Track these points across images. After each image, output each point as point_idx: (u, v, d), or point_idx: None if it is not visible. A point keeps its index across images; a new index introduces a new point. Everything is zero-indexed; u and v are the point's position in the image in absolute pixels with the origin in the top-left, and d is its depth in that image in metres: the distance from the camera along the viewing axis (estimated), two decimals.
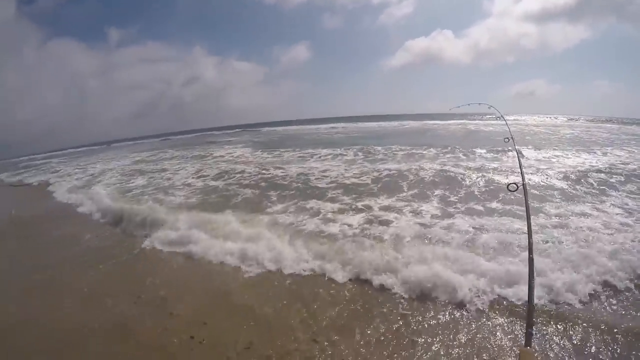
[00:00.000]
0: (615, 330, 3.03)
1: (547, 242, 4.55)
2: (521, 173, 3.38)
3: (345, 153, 13.31)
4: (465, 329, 3.21)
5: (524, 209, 2.70)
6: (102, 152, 31.75)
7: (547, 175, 8.27)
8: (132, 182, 11.73)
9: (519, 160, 4.26)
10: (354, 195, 7.55)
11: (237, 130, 50.87)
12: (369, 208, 6.66)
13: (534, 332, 1.48)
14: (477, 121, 32.81)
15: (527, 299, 1.66)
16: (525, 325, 1.46)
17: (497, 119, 7.11)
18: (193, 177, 11.25)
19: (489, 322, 3.29)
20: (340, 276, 4.27)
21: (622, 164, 9.54)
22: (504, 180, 7.76)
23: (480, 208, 6.26)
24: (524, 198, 2.74)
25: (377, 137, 21.95)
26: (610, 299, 3.50)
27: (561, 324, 3.15)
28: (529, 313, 1.52)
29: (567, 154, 11.50)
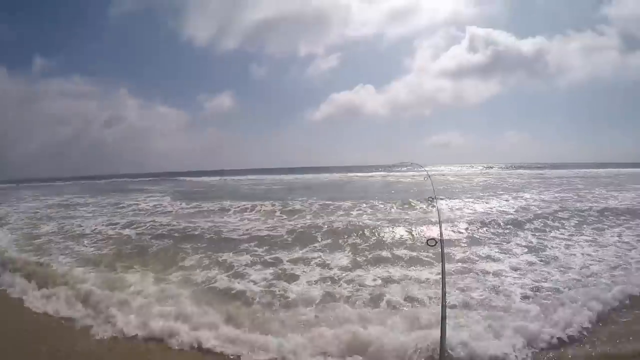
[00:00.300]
0: None
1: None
2: (440, 229, 3.49)
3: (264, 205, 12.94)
4: None
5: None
6: (13, 192, 27.37)
7: (460, 224, 8.87)
8: (42, 228, 10.39)
9: (439, 217, 4.53)
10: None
11: (158, 178, 47.64)
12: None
13: None
14: (395, 173, 35.62)
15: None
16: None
17: (416, 170, 7.38)
18: (104, 225, 10.10)
19: None
20: None
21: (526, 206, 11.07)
22: (423, 234, 7.91)
23: (394, 260, 6.34)
24: (441, 253, 2.77)
25: (300, 188, 22.23)
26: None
27: None
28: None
29: (479, 200, 12.90)
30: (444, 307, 1.97)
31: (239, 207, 12.64)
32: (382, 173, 35.70)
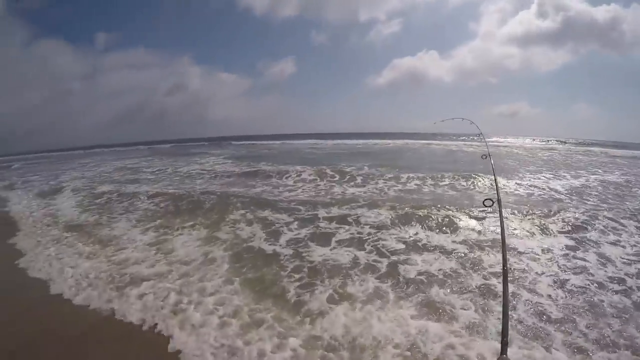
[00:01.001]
0: None
1: None
2: (497, 190, 3.43)
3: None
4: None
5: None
6: (81, 158, 30.85)
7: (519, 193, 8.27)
8: (104, 188, 11.33)
9: (494, 177, 4.42)
10: None
11: (219, 143, 49.51)
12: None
13: (508, 341, 1.51)
14: (457, 142, 33.54)
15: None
16: (501, 335, 1.53)
17: (479, 139, 7.00)
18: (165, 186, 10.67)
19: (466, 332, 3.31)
20: None
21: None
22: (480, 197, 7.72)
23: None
24: (498, 213, 2.74)
25: (359, 155, 21.73)
26: None
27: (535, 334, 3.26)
28: (504, 324, 1.59)
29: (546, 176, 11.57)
30: (505, 272, 1.97)
31: (295, 170, 12.69)
32: (446, 142, 33.66)
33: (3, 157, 43.84)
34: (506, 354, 1.43)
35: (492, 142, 33.93)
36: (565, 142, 39.97)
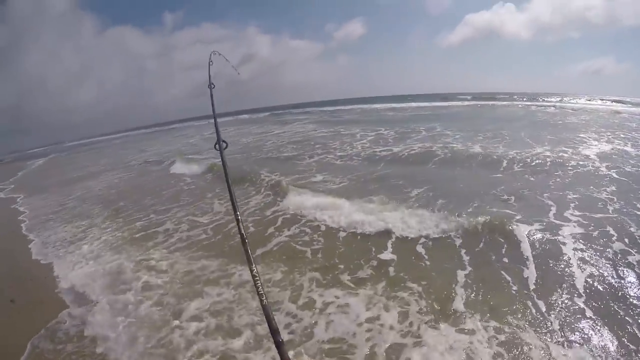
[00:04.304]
0: None
1: None
2: None
3: None
4: None
5: None
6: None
7: None
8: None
9: None
10: None
11: (302, 109, 50.47)
12: None
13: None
14: (537, 102, 32.56)
15: None
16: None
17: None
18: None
19: None
20: None
21: None
22: None
23: None
24: None
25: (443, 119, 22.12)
26: None
27: None
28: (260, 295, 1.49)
29: None
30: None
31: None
32: (526, 102, 32.83)
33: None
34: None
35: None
36: None
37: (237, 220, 1.96)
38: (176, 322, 3.92)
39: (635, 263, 4.26)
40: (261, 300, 1.46)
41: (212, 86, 3.74)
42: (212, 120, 3.11)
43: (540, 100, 35.55)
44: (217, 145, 2.53)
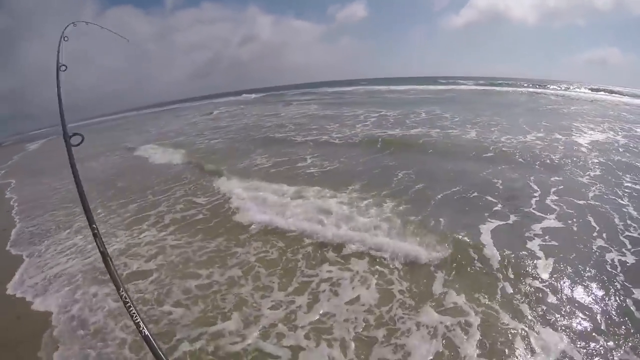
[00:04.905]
0: None
1: None
2: None
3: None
4: None
5: None
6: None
7: None
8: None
9: None
10: None
11: (301, 90, 49.42)
12: None
13: None
14: (542, 89, 32.04)
15: None
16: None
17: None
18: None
19: None
20: None
21: None
22: None
23: None
24: None
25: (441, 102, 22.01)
26: None
27: None
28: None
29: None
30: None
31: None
32: (530, 89, 32.20)
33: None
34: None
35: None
36: None
37: (94, 234, 1.58)
38: None
39: (606, 246, 4.49)
40: (140, 331, 1.20)
41: (63, 68, 2.82)
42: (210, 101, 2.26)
43: (548, 87, 34.84)
44: (66, 139, 1.98)
